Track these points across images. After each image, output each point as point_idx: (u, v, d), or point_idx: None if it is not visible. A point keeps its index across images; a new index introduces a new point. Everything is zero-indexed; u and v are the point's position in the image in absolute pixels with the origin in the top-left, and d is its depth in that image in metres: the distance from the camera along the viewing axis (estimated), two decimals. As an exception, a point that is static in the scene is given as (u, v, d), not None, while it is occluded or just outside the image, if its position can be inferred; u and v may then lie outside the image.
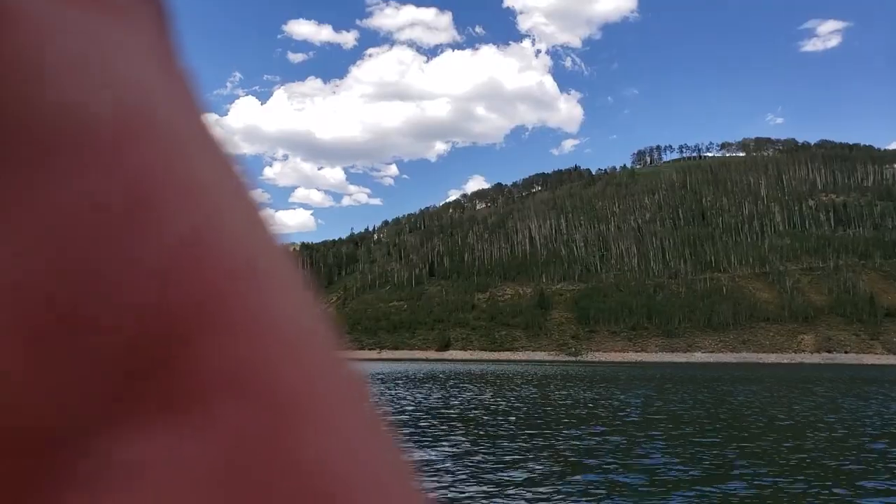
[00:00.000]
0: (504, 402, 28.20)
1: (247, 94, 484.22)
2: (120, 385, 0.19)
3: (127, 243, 0.20)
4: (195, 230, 0.21)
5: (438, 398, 30.49)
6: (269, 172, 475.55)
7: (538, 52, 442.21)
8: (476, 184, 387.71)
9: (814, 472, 12.32)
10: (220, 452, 0.20)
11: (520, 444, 15.58)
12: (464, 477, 11.70)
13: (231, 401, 0.20)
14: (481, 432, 17.81)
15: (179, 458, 0.19)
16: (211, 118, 0.23)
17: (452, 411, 24.10)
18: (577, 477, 11.74)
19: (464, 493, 10.51)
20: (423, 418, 21.29)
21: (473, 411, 24.19)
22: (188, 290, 0.20)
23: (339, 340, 0.25)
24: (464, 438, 16.47)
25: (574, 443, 15.82)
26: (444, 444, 15.43)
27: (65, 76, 0.20)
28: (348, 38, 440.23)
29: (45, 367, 0.19)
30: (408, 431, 17.58)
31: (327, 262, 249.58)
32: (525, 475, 11.87)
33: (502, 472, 12.17)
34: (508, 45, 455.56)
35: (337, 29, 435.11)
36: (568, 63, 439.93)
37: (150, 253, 0.20)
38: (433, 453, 13.90)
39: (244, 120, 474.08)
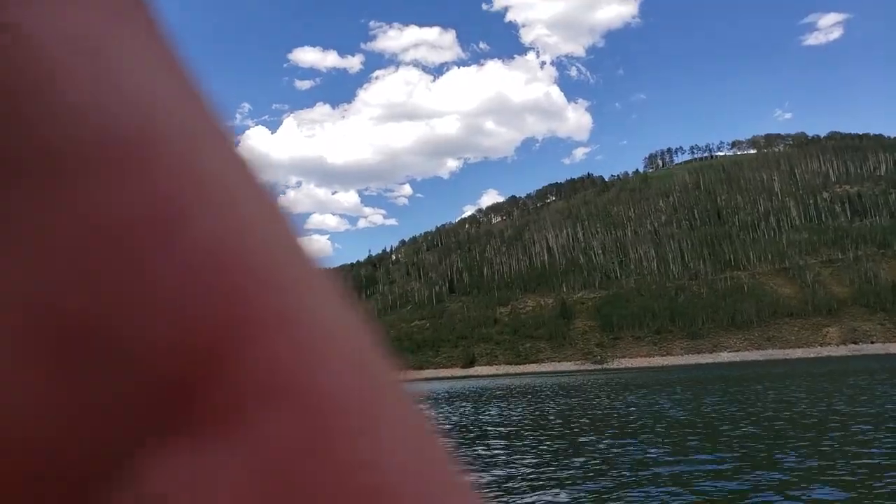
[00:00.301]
0: (542, 414, 28.57)
1: (257, 124, 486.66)
2: (153, 408, 0.19)
3: (151, 257, 0.19)
4: (221, 238, 0.21)
5: (472, 414, 30.76)
6: (283, 200, 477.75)
7: (543, 63, 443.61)
8: (490, 198, 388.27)
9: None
10: (263, 466, 0.19)
11: (566, 457, 15.53)
12: (524, 493, 11.67)
13: (272, 411, 0.20)
14: (524, 446, 17.95)
15: (221, 478, 0.19)
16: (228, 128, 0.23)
17: (490, 427, 24.29)
18: (635, 492, 11.45)
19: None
20: (464, 435, 21.50)
21: (511, 426, 24.40)
22: (217, 301, 0.20)
23: (380, 344, 0.24)
24: (505, 453, 16.61)
25: (616, 452, 15.78)
26: (492, 459, 15.54)
27: (78, 88, 0.20)
28: (354, 63, 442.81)
29: (71, 394, 0.18)
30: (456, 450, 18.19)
31: (349, 283, 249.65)
32: (585, 488, 11.82)
33: (561, 488, 12.08)
34: (513, 58, 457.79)
35: (342, 54, 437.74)
36: (573, 72, 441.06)
37: (176, 266, 0.20)
38: (490, 471, 13.84)
39: (255, 150, 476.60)
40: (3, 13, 0.20)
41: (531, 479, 12.82)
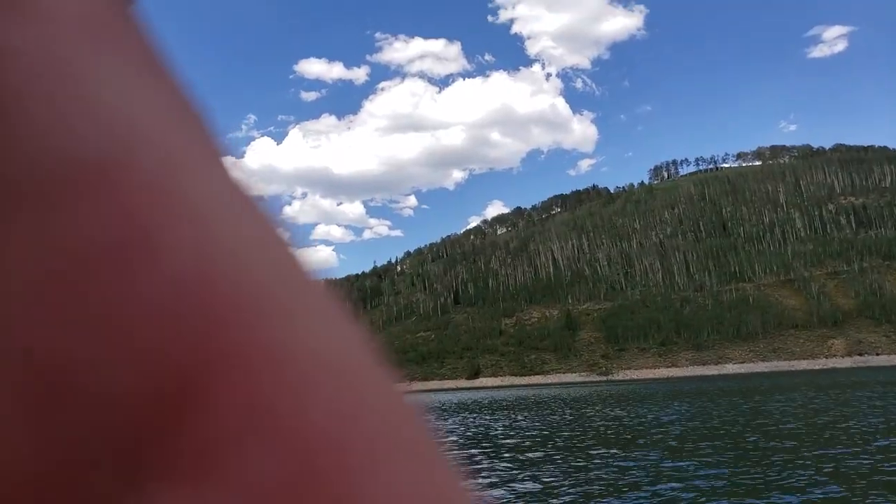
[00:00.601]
0: (550, 428, 28.77)
1: (262, 136, 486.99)
2: (125, 454, 0.18)
3: (119, 288, 0.18)
4: (197, 264, 0.19)
5: (478, 426, 31.01)
6: (288, 211, 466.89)
7: (548, 75, 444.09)
8: (495, 209, 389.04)
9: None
10: None
11: (579, 470, 15.62)
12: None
13: (253, 451, 0.18)
14: (532, 459, 18.07)
15: None
16: (227, 153, 0.21)
17: (500, 440, 24.52)
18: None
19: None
20: (472, 448, 21.68)
21: (518, 437, 24.63)
22: (191, 335, 0.18)
23: (384, 364, 0.22)
24: (515, 466, 16.77)
25: (625, 465, 15.85)
26: (499, 474, 15.63)
27: (42, 108, 0.19)
28: (360, 74, 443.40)
29: (37, 442, 0.17)
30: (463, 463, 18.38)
31: (351, 296, 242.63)
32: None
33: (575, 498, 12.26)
34: (518, 70, 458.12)
35: (348, 65, 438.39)
36: (579, 84, 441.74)
37: (147, 296, 0.18)
38: (503, 485, 13.86)
39: (261, 161, 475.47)
40: None
41: (543, 494, 12.87)
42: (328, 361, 0.20)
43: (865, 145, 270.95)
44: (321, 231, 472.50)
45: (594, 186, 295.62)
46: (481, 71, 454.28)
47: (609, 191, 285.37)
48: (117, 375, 0.18)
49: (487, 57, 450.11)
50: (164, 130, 0.21)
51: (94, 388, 0.17)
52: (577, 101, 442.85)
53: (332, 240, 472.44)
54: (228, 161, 0.23)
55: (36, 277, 0.18)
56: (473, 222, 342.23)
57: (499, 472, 15.75)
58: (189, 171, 0.21)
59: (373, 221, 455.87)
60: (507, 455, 19.43)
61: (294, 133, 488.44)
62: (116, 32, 0.22)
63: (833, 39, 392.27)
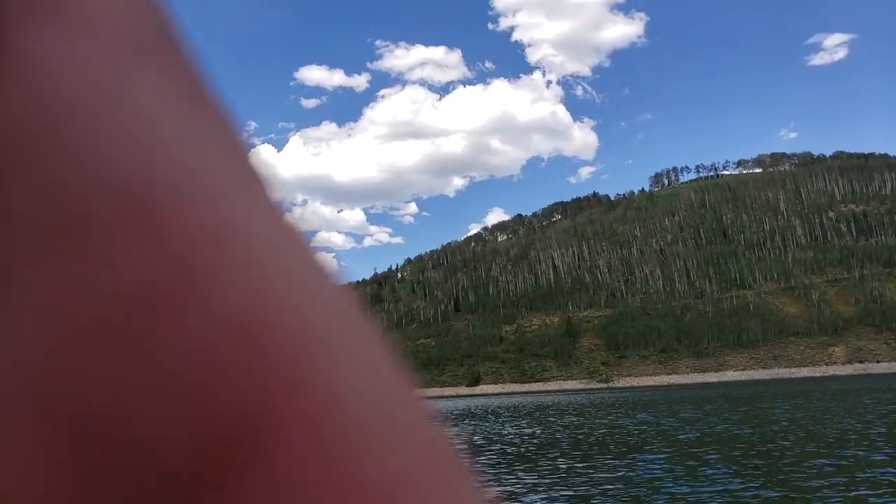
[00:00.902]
0: (550, 434, 28.79)
1: (263, 143, 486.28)
2: None
3: (161, 334, 0.17)
4: (247, 308, 0.18)
5: (483, 433, 31.02)
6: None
7: (549, 82, 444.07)
8: (496, 216, 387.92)
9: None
10: None
11: (583, 476, 15.62)
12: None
13: (317, 501, 0.17)
14: (537, 465, 18.07)
15: None
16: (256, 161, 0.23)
17: (504, 446, 24.54)
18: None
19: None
20: (479, 455, 21.65)
21: (522, 445, 24.66)
22: (243, 384, 0.18)
23: (425, 406, 0.22)
24: (520, 472, 16.81)
25: (629, 471, 15.88)
26: (513, 481, 15.61)
27: (82, 135, 0.18)
28: (360, 81, 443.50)
29: (79, 490, 0.16)
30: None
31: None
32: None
33: None
34: (519, 77, 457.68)
35: (348, 73, 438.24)
36: (579, 92, 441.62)
37: (192, 343, 0.17)
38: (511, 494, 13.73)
39: (261, 168, 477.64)
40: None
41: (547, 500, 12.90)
42: (392, 414, 0.20)
43: (866, 153, 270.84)
44: (322, 238, 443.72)
45: (595, 194, 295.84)
46: (482, 78, 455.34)
47: (609, 198, 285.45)
48: (167, 421, 0.17)
49: (488, 64, 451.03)
50: (212, 164, 0.20)
51: (142, 433, 0.17)
52: (577, 108, 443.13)
53: (333, 247, 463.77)
54: (272, 192, 0.22)
55: (81, 323, 0.17)
56: (474, 229, 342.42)
57: (505, 480, 15.71)
58: (238, 207, 0.20)
59: (373, 228, 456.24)
60: (512, 463, 19.40)
61: (294, 140, 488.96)
62: (160, 49, 0.21)
63: (833, 47, 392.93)
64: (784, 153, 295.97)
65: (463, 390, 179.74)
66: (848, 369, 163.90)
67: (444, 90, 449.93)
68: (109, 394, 0.16)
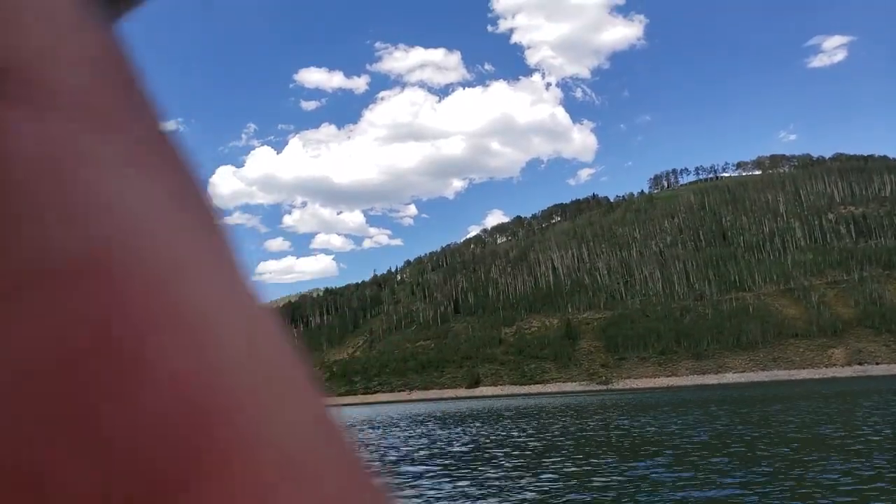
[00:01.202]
0: (549, 436, 28.83)
1: (262, 145, 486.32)
2: None
3: (104, 389, 0.17)
4: (185, 370, 0.18)
5: (484, 435, 31.02)
6: (288, 220, 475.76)
7: (548, 85, 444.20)
8: (495, 218, 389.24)
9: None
10: None
11: (586, 479, 15.54)
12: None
13: None
14: (539, 468, 18.01)
15: None
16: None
17: (505, 448, 24.50)
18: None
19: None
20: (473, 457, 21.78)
21: (523, 447, 24.60)
22: (183, 453, 0.17)
23: (356, 455, 0.22)
24: (521, 474, 16.74)
25: (632, 475, 15.72)
26: (501, 482, 15.64)
27: (36, 205, 0.18)
28: (359, 83, 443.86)
29: None
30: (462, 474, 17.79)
31: (352, 305, 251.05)
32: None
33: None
34: (518, 80, 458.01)
35: (348, 75, 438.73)
36: (579, 94, 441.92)
37: (132, 412, 0.17)
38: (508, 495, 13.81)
39: (261, 170, 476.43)
40: None
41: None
42: (302, 464, 0.20)
43: (865, 154, 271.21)
44: (321, 240, 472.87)
45: (594, 195, 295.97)
46: (481, 80, 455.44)
47: (609, 200, 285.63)
48: (100, 488, 0.17)
49: (487, 66, 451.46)
50: (170, 228, 0.20)
51: (73, 495, 0.16)
52: (576, 110, 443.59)
53: (333, 249, 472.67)
54: (236, 256, 0.23)
55: (17, 376, 0.17)
56: (473, 231, 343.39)
57: (501, 480, 15.71)
58: (192, 272, 0.20)
59: (373, 230, 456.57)
60: (503, 463, 19.41)
61: (294, 142, 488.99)
62: (121, 114, 0.21)
63: (833, 49, 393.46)
64: (783, 155, 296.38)
65: (462, 392, 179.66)
66: (847, 371, 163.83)
67: (443, 92, 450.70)
68: (38, 448, 0.16)
